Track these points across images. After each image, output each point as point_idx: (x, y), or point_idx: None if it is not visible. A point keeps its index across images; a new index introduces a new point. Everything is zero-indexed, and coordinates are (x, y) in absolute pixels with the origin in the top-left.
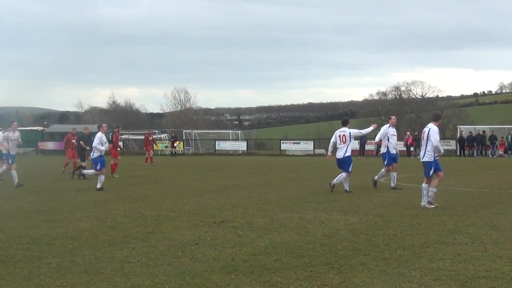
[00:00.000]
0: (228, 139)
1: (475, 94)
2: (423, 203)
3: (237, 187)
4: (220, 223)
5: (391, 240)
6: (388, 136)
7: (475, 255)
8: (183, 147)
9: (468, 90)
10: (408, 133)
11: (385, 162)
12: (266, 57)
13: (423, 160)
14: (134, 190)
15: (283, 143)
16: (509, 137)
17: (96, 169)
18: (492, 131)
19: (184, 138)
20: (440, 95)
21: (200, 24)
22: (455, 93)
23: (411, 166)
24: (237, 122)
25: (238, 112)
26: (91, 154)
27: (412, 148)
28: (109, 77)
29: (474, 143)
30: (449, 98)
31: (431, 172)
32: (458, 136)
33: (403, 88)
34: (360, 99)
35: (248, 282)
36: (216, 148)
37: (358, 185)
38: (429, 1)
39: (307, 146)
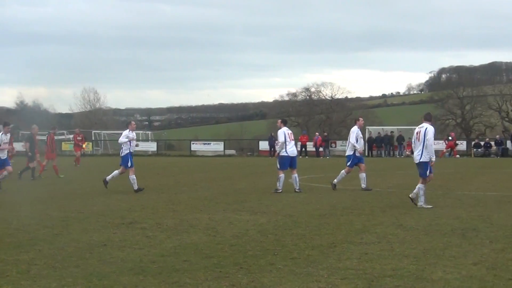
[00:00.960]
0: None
1: (384, 95)
2: (420, 203)
3: (147, 188)
4: (129, 224)
5: (299, 240)
6: (357, 137)
7: (381, 254)
8: (92, 147)
9: (377, 91)
10: (317, 133)
11: (349, 163)
12: (176, 58)
13: (420, 160)
14: (42, 191)
15: (193, 143)
16: None
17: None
18: (400, 131)
19: (93, 139)
20: (349, 96)
21: (109, 23)
22: (364, 94)
23: (320, 167)
24: (147, 123)
25: (148, 112)
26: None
27: (321, 149)
28: (16, 76)
29: (382, 144)
30: (358, 99)
31: (428, 172)
32: (366, 137)
33: (313, 89)
34: (270, 100)
35: (156, 283)
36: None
37: (266, 185)
38: (337, 3)
39: (218, 146)
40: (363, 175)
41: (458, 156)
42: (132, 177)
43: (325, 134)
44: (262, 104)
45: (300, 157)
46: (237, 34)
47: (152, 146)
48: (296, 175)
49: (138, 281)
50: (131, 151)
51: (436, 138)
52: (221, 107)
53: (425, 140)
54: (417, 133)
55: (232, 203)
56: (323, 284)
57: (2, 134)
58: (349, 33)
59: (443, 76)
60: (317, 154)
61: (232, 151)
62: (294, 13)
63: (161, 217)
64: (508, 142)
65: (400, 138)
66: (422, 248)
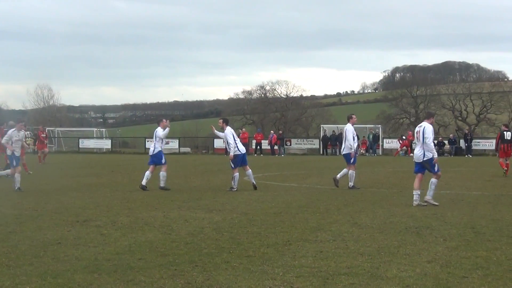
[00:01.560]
0: (92, 137)
1: (338, 94)
2: (428, 196)
3: (101, 186)
4: (83, 222)
5: (255, 238)
6: (354, 136)
7: (336, 252)
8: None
9: (332, 90)
10: (272, 131)
11: (352, 161)
12: (131, 55)
13: (424, 159)
14: None
15: (148, 141)
16: (371, 136)
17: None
18: None
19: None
20: (304, 95)
21: (62, 19)
22: (319, 92)
23: (275, 165)
24: (101, 120)
25: (102, 109)
26: None
27: (276, 147)
28: None
29: (337, 142)
30: (313, 97)
31: (436, 167)
32: (321, 135)
33: (268, 87)
34: (225, 97)
35: (111, 281)
36: (80, 146)
37: (221, 183)
38: (292, 1)
39: (172, 144)
40: (352, 172)
41: (412, 154)
42: (164, 173)
43: (280, 132)
44: (217, 102)
45: (255, 155)
46: (192, 32)
47: (106, 144)
48: (250, 170)
49: (93, 279)
50: (162, 148)
51: (391, 137)
52: (176, 105)
53: (424, 139)
54: (417, 132)
55: (187, 201)
56: (278, 282)
57: (14, 131)
58: (304, 32)
59: (397, 75)
60: (272, 152)
61: (187, 149)
62: (249, 11)
63: (116, 215)
64: (462, 141)
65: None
66: (376, 246)
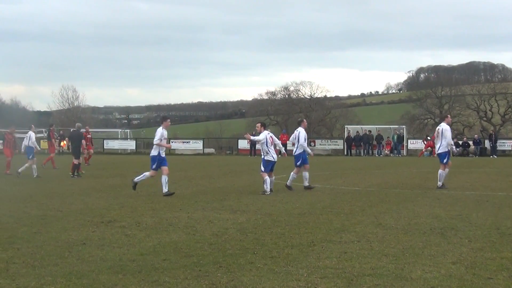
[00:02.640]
0: (117, 138)
1: (362, 95)
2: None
3: (125, 187)
4: (108, 223)
5: (279, 239)
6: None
7: (361, 253)
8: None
9: (355, 90)
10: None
11: (299, 163)
12: (154, 56)
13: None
14: (20, 189)
15: (172, 142)
16: (395, 137)
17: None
18: (378, 131)
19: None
20: (328, 95)
21: (86, 21)
22: (343, 93)
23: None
24: (126, 121)
25: (127, 111)
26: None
27: None
28: None
29: (361, 143)
30: (337, 98)
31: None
32: (345, 136)
33: (292, 88)
34: (249, 98)
35: (136, 282)
36: (105, 147)
37: (246, 184)
38: (314, 2)
39: (197, 145)
40: (306, 173)
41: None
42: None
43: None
44: (241, 103)
45: (280, 156)
46: (215, 33)
47: (131, 145)
48: (273, 178)
49: (118, 280)
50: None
51: (416, 137)
52: (200, 106)
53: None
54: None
55: (211, 201)
56: (302, 283)
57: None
58: (325, 33)
59: (422, 75)
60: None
61: (211, 150)
62: (272, 12)
63: (140, 215)
64: (486, 141)
65: (379, 137)
66: (401, 247)
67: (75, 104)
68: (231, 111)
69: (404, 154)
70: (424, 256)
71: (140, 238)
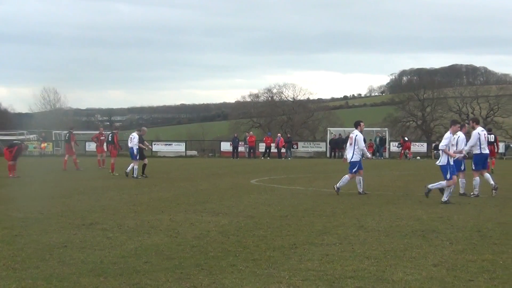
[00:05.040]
0: None
1: (345, 97)
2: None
3: (107, 189)
4: (89, 225)
5: (261, 241)
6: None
7: (343, 255)
8: (53, 148)
9: (338, 93)
10: (279, 134)
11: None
12: (136, 58)
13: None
14: (1, 192)
15: (155, 144)
16: (377, 140)
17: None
18: None
19: (53, 139)
20: (311, 98)
21: (67, 22)
22: (326, 96)
23: (282, 168)
24: (108, 123)
25: (109, 113)
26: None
27: (283, 150)
28: None
29: (344, 145)
30: (320, 100)
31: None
32: (328, 138)
33: (275, 91)
34: (232, 101)
35: (117, 284)
36: (86, 149)
37: (228, 186)
38: (295, 5)
39: (179, 147)
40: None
41: (419, 158)
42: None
43: (289, 136)
44: (224, 105)
45: (262, 158)
46: (198, 35)
47: None
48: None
49: (99, 283)
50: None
51: (398, 140)
52: (182, 108)
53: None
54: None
55: (193, 204)
56: (284, 285)
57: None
58: (308, 35)
59: (404, 78)
60: (279, 155)
61: (194, 152)
62: (253, 15)
63: (122, 218)
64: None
65: None
66: (382, 249)
67: (57, 106)
68: (214, 114)
69: (387, 156)
70: (405, 258)
71: (122, 240)
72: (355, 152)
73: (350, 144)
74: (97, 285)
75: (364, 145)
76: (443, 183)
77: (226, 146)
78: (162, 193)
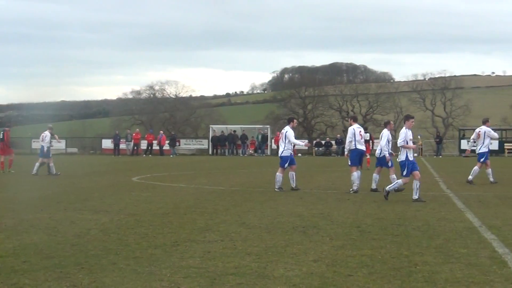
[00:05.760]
0: None
1: (228, 94)
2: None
3: None
4: None
5: (142, 239)
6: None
7: (224, 252)
8: None
9: (221, 90)
10: (161, 132)
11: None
12: (15, 53)
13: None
14: None
15: (34, 141)
16: (259, 137)
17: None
18: (243, 130)
19: None
20: (193, 95)
21: None
22: (208, 93)
23: (163, 165)
24: None
25: None
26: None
27: (168, 147)
28: None
29: (226, 143)
30: (202, 98)
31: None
32: (210, 136)
33: (157, 88)
34: (114, 97)
35: None
36: None
37: (109, 183)
38: (177, 1)
39: (59, 144)
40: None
41: (300, 155)
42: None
43: (173, 133)
44: (105, 102)
45: (144, 156)
46: (77, 31)
47: None
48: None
49: None
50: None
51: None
52: (63, 105)
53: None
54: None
55: (74, 202)
56: (165, 283)
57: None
58: (189, 32)
59: (286, 76)
60: (161, 152)
61: (74, 149)
62: (133, 10)
63: (0, 217)
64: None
65: (244, 137)
66: (264, 246)
67: None
68: (95, 110)
69: (268, 153)
70: (286, 254)
71: (0, 239)
72: (285, 148)
73: (282, 139)
74: None
75: (295, 140)
76: (400, 181)
77: (107, 143)
78: (41, 191)
